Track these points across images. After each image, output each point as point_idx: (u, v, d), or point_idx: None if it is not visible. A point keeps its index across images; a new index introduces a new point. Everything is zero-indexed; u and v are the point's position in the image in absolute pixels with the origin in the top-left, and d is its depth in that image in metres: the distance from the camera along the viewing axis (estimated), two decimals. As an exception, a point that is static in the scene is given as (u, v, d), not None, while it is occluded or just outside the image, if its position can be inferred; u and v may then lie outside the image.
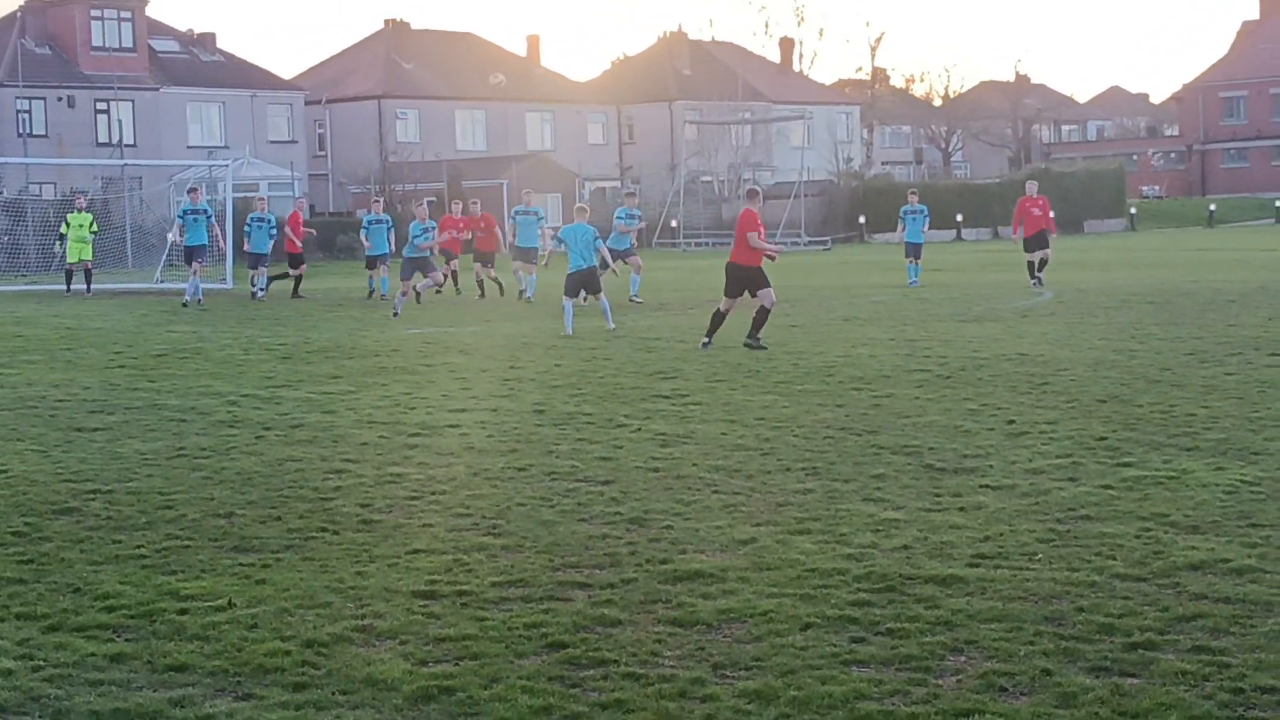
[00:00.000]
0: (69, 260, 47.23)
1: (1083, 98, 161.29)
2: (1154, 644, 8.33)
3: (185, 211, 40.93)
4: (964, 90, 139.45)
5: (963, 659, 8.20)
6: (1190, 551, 10.33)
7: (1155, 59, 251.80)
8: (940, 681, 7.83)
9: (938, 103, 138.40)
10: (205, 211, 41.00)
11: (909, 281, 41.10)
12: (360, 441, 16.03)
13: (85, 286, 46.19)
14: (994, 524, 11.35)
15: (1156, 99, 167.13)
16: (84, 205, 50.74)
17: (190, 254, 39.89)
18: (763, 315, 24.23)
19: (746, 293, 24.59)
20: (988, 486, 12.80)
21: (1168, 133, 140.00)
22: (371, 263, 41.61)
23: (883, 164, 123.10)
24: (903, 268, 42.55)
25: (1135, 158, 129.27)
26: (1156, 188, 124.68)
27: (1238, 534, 10.84)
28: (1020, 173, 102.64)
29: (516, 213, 39.34)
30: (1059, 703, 7.45)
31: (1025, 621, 8.79)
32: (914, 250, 41.43)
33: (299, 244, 42.12)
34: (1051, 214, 39.68)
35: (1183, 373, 20.10)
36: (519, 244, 38.33)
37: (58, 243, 49.32)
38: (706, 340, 24.50)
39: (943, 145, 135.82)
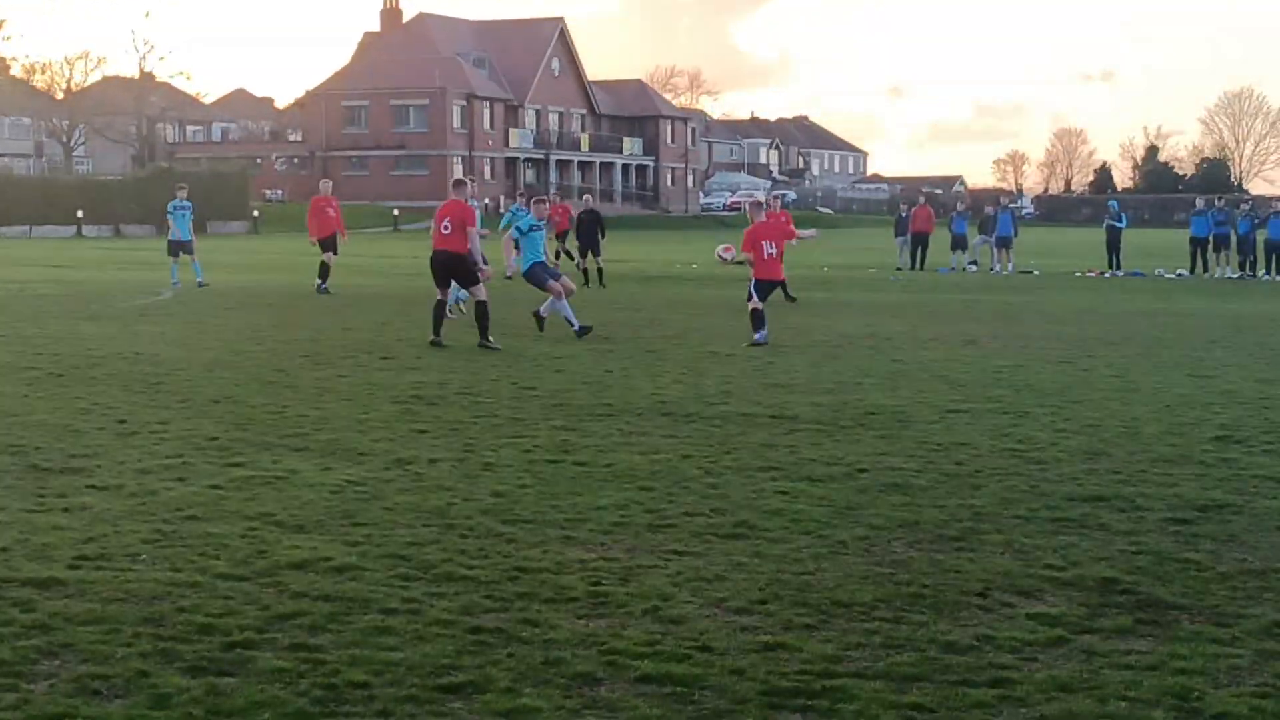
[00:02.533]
0: None
1: (209, 99, 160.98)
2: (252, 642, 8.37)
3: None
4: (87, 85, 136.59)
5: (57, 663, 8.00)
6: (294, 550, 10.45)
7: (281, 64, 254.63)
8: (32, 687, 7.61)
9: (60, 96, 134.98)
10: None
11: (174, 281, 39.36)
12: None
13: None
14: (98, 525, 11.16)
15: (281, 104, 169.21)
16: None
17: None
18: (484, 310, 24.42)
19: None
20: (94, 487, 12.58)
21: (291, 138, 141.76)
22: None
23: (2, 155, 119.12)
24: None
25: (260, 161, 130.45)
26: (280, 191, 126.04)
27: (340, 533, 11.06)
28: (149, 169, 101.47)
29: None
30: (153, 704, 7.37)
31: (124, 623, 8.67)
32: (185, 247, 39.65)
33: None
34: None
35: (297, 374, 20.41)
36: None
37: None
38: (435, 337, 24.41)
39: (64, 139, 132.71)
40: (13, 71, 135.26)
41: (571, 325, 26.06)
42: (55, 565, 9.97)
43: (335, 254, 38.26)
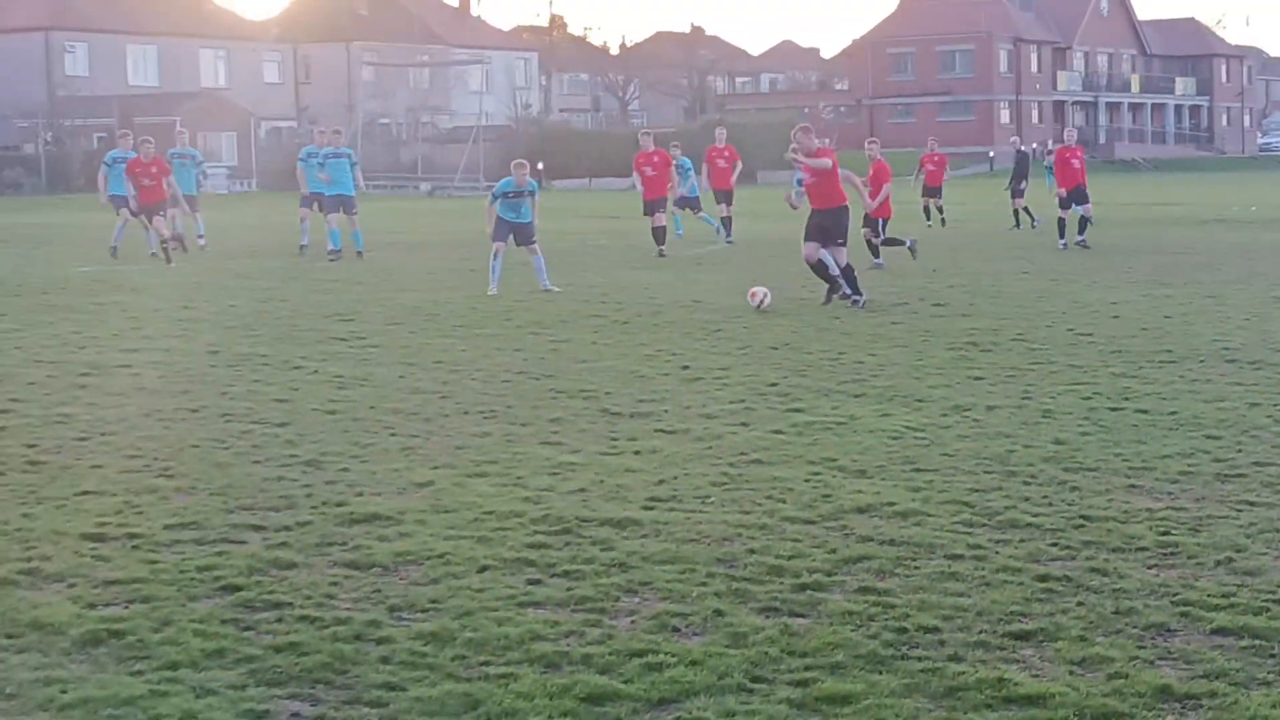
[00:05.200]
0: None
1: (755, 51, 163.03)
2: (822, 585, 8.45)
3: None
4: (640, 41, 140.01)
5: (637, 600, 8.24)
6: (857, 495, 10.52)
7: (826, 15, 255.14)
8: (615, 623, 7.86)
9: (615, 51, 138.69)
10: None
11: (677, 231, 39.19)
12: (27, 381, 15.60)
13: None
14: (668, 467, 11.44)
15: (827, 54, 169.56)
16: None
17: None
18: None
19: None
20: (663, 431, 12.91)
21: (838, 87, 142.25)
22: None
23: (561, 111, 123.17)
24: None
25: (806, 111, 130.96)
26: (828, 140, 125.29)
27: (902, 478, 11.07)
28: (699, 121, 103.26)
29: (172, 155, 35.09)
30: (730, 642, 7.52)
31: (698, 563, 8.87)
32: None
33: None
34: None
35: (851, 322, 20.52)
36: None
37: None
38: (858, 296, 22.23)
39: (620, 94, 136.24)
40: (570, 29, 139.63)
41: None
42: (630, 506, 10.28)
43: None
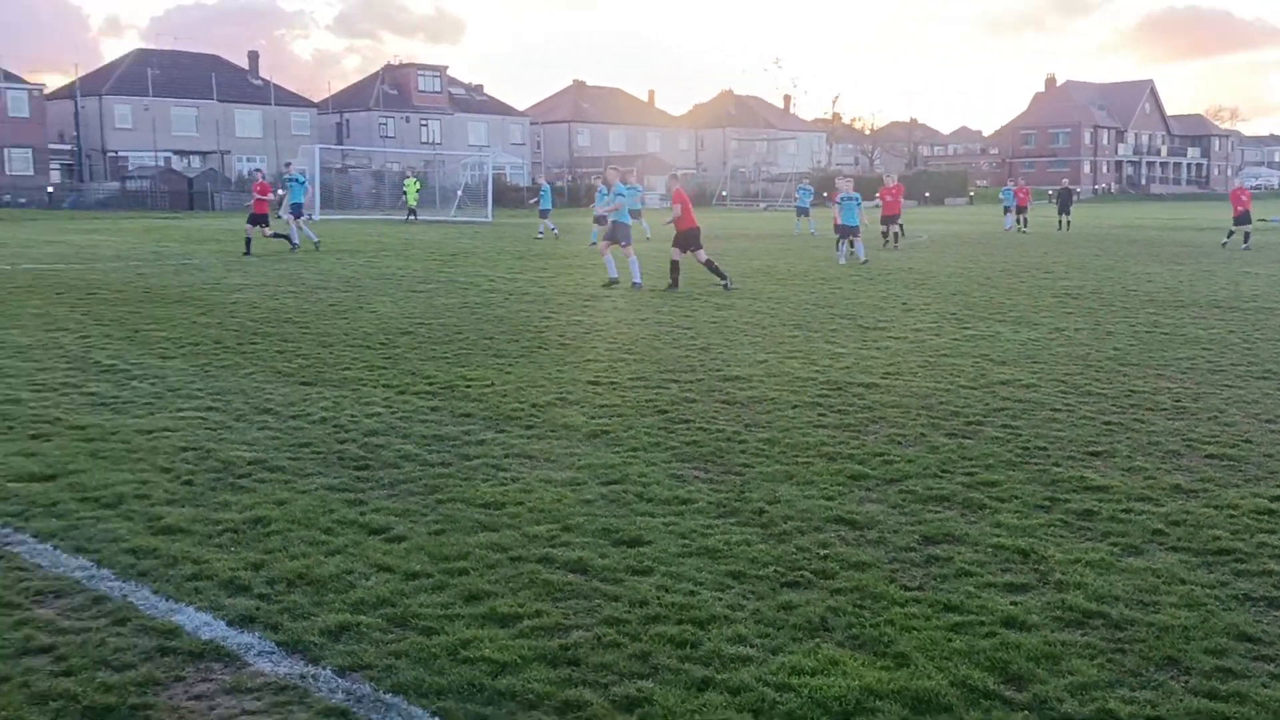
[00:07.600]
0: (409, 205, 47.19)
1: (945, 130, 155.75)
2: (980, 422, 8.17)
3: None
4: (881, 126, 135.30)
5: (878, 426, 8.05)
6: (1000, 374, 10.10)
7: (987, 110, 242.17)
8: (865, 438, 7.71)
9: (868, 132, 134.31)
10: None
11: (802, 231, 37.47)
12: (559, 302, 15.99)
13: (413, 218, 46.25)
14: (895, 357, 11.15)
15: (987, 133, 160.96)
16: (413, 174, 50.62)
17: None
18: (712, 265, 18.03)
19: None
20: (892, 337, 12.57)
21: (992, 151, 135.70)
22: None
23: (836, 164, 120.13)
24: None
25: (973, 164, 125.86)
26: (984, 182, 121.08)
27: (1026, 366, 10.58)
28: (913, 171, 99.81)
29: (617, 192, 32.02)
30: (929, 451, 7.30)
31: (912, 408, 8.63)
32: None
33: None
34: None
35: (1000, 280, 19.59)
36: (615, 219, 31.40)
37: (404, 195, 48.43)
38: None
39: (870, 156, 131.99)
40: (844, 120, 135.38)
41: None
42: (874, 375, 9.92)
43: None
